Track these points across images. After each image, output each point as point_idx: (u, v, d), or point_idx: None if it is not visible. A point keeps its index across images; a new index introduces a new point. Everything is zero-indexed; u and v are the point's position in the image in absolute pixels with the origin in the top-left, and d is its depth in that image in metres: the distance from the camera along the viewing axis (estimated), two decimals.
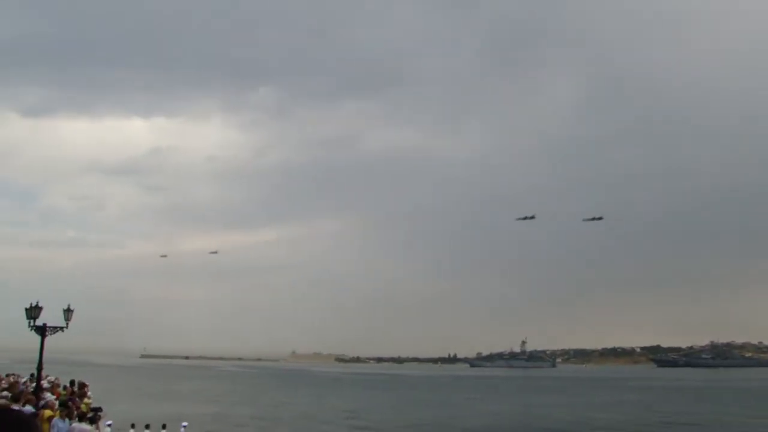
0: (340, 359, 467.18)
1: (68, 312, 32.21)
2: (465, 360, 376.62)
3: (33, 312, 30.58)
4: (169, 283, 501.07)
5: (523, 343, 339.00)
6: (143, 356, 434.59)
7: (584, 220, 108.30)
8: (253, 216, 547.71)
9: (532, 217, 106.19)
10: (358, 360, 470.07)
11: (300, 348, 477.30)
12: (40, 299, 30.79)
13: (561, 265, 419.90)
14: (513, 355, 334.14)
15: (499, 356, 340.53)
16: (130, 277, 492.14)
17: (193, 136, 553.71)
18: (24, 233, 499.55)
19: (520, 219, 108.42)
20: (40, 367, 30.80)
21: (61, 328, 31.74)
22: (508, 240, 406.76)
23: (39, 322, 30.90)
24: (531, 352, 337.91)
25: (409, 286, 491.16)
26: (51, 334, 31.35)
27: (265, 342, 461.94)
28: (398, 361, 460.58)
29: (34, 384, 30.81)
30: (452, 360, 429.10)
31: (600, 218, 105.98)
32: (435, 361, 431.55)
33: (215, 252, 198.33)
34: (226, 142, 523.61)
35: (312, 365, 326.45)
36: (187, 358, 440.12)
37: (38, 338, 30.93)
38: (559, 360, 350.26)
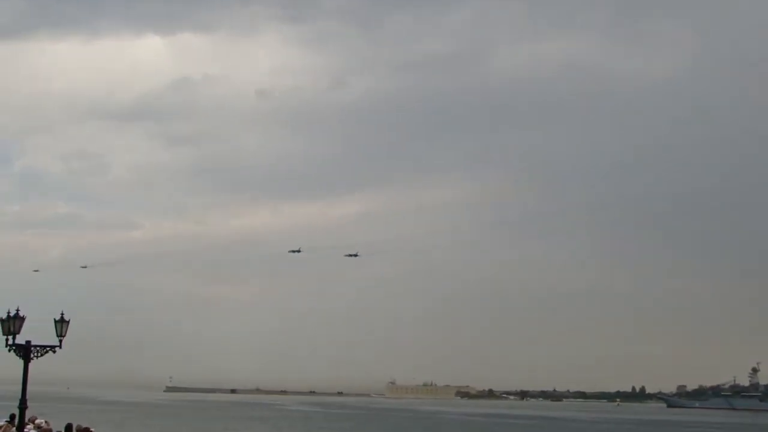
0: (464, 393, 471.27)
1: (62, 324, 32.93)
2: (659, 396, 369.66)
3: (11, 324, 31.50)
4: (205, 280, 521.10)
5: (755, 371, 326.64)
6: (169, 389, 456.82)
7: None
8: (326, 179, 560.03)
9: None
10: (491, 394, 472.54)
11: (401, 377, 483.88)
12: (19, 305, 31.73)
13: None
14: (737, 390, 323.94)
15: (715, 392, 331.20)
16: (147, 272, 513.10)
17: (235, 61, 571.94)
18: None
19: None
20: (23, 406, 31.77)
21: (53, 348, 32.53)
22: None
23: (20, 339, 31.89)
24: None
25: (565, 282, 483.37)
26: (38, 357, 32.29)
27: (347, 368, 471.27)
28: (553, 396, 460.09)
29: (14, 430, 31.91)
30: (639, 396, 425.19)
31: None
32: (611, 397, 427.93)
33: (297, 251, 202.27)
34: (285, 67, 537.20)
35: (422, 402, 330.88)
36: (233, 391, 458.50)
37: (19, 363, 31.95)
38: None
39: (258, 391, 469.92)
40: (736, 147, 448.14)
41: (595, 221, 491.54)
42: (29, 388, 31.79)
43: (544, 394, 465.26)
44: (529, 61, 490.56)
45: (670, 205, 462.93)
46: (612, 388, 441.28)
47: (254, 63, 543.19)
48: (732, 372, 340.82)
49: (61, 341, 32.77)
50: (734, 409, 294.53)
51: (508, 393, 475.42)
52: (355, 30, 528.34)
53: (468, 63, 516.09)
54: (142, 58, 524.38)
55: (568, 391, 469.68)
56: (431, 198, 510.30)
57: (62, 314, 32.91)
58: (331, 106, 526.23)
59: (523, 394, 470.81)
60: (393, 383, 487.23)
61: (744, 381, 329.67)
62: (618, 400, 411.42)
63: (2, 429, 32.54)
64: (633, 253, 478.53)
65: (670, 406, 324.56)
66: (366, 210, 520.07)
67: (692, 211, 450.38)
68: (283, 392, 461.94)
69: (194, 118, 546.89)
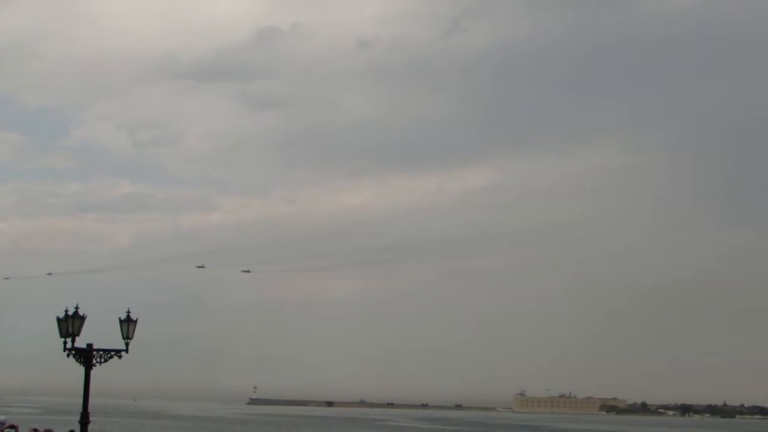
0: (610, 407, 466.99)
1: (128, 324, 34.02)
2: None
3: (69, 325, 32.68)
4: (296, 274, 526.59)
5: None
6: (253, 401, 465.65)
7: None
8: (444, 146, 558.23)
9: None
10: (644, 408, 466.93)
11: (532, 387, 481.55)
12: (78, 303, 32.76)
13: None
14: None
15: None
16: (228, 263, 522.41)
17: (331, 6, 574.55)
18: (43, 188, 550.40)
19: None
20: (84, 420, 33.00)
21: (118, 352, 33.65)
22: None
23: (81, 342, 33.04)
24: None
25: (746, 272, 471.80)
26: (101, 363, 33.47)
27: (467, 377, 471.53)
28: (723, 411, 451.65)
29: None
30: None
31: None
32: None
33: (201, 266, 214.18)
34: (391, 11, 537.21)
35: (558, 417, 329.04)
36: (329, 404, 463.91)
37: (80, 370, 33.12)
38: None
39: (363, 403, 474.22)
40: None
41: None
42: (92, 399, 32.74)
43: (712, 409, 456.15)
44: None
45: None
46: None
47: (354, 8, 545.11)
48: None
49: (127, 344, 33.72)
50: None
51: (666, 407, 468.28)
52: None
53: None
54: (219, 6, 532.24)
55: (742, 405, 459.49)
56: (577, 168, 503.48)
57: (128, 313, 33.81)
58: (449, 57, 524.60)
59: (684, 409, 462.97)
60: (522, 395, 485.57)
61: None
62: None
63: None
64: None
65: None
66: (495, 184, 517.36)
67: None
68: (390, 405, 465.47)
69: (283, 77, 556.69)
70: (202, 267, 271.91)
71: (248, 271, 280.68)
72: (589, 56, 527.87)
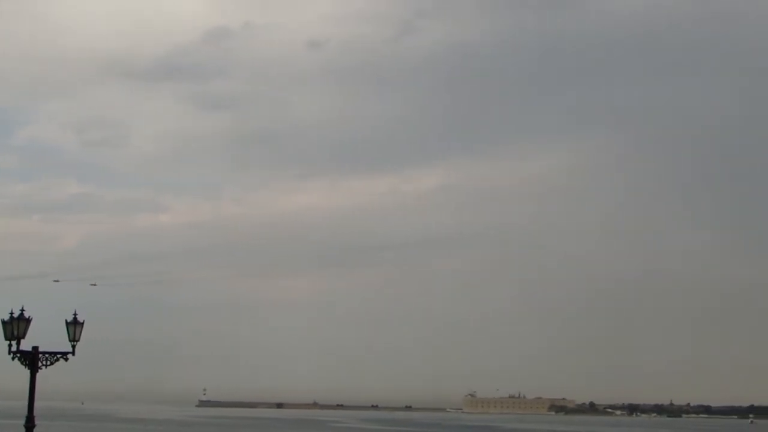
0: (559, 407, 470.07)
1: (75, 326, 33.48)
2: None
3: (14, 327, 32.08)
4: (246, 274, 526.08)
5: None
6: (202, 403, 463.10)
7: None
8: (395, 147, 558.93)
9: None
10: (592, 408, 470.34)
11: (482, 388, 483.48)
12: (24, 305, 32.21)
13: None
14: None
15: None
16: (176, 263, 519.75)
17: (282, 6, 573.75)
18: None
19: None
20: (30, 424, 32.36)
21: (65, 355, 33.12)
22: None
23: (26, 345, 32.47)
24: None
25: (695, 272, 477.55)
26: (47, 366, 32.88)
27: (417, 378, 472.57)
28: (669, 411, 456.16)
29: None
30: None
31: None
32: (743, 412, 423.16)
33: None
34: (342, 12, 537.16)
35: (508, 418, 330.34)
36: (280, 406, 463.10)
37: (25, 373, 32.51)
38: None
39: (315, 405, 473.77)
40: None
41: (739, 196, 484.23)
42: (37, 403, 32.22)
43: (659, 409, 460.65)
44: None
45: None
46: (744, 401, 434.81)
47: (305, 8, 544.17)
48: None
49: (74, 347, 33.23)
50: None
51: (614, 407, 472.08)
52: None
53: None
54: (170, 6, 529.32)
55: (688, 404, 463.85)
56: (530, 169, 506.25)
57: (75, 315, 33.35)
58: (401, 58, 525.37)
59: (632, 409, 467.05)
60: (473, 396, 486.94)
61: None
62: (752, 416, 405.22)
63: None
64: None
65: None
66: (447, 185, 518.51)
67: None
68: (340, 406, 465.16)
69: (233, 77, 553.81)
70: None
71: (95, 285, 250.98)
72: (541, 58, 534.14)
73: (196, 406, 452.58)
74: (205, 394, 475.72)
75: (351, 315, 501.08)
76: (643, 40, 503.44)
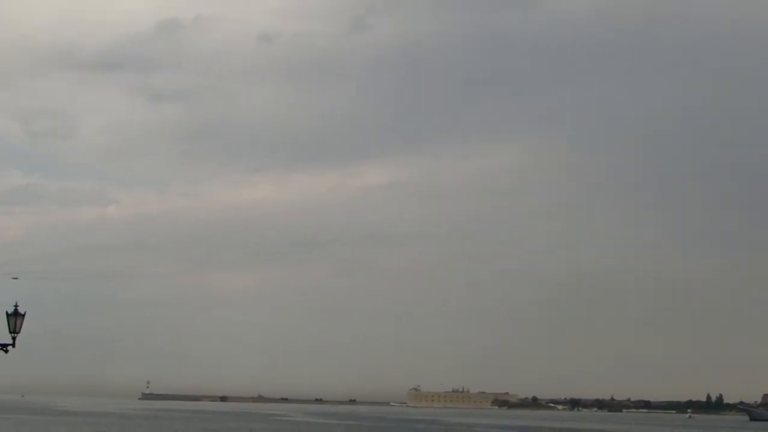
0: (502, 402, 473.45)
1: (15, 318, 33.18)
2: (740, 407, 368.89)
3: None
4: (192, 267, 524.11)
5: None
6: (145, 396, 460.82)
7: None
8: (344, 143, 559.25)
9: None
10: (535, 403, 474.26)
11: (427, 382, 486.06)
12: None
13: None
14: None
15: None
16: (123, 257, 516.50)
17: (234, 0, 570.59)
18: None
19: None
20: None
21: (5, 347, 32.88)
22: None
23: None
24: None
25: (632, 270, 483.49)
26: None
27: (361, 372, 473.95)
28: (610, 406, 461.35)
29: None
30: (715, 406, 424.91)
31: None
32: (682, 407, 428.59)
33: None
34: (294, 6, 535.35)
35: (451, 412, 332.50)
36: (224, 399, 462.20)
37: None
38: None
39: (260, 398, 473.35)
40: None
41: (681, 195, 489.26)
42: None
43: (600, 404, 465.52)
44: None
45: None
46: (683, 397, 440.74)
47: (256, 2, 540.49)
48: None
49: (14, 338, 32.96)
50: None
51: (556, 402, 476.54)
52: None
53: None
54: None
55: (628, 399, 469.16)
56: (477, 167, 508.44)
57: (16, 306, 33.04)
58: (351, 53, 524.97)
59: (573, 404, 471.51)
60: (417, 389, 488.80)
61: None
62: (690, 411, 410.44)
63: None
64: (725, 234, 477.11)
65: (753, 419, 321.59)
66: (394, 181, 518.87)
67: None
68: (285, 400, 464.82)
69: (183, 70, 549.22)
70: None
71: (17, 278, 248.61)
72: (492, 56, 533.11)
73: (139, 399, 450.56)
74: (148, 387, 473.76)
75: (297, 309, 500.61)
76: (597, 40, 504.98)
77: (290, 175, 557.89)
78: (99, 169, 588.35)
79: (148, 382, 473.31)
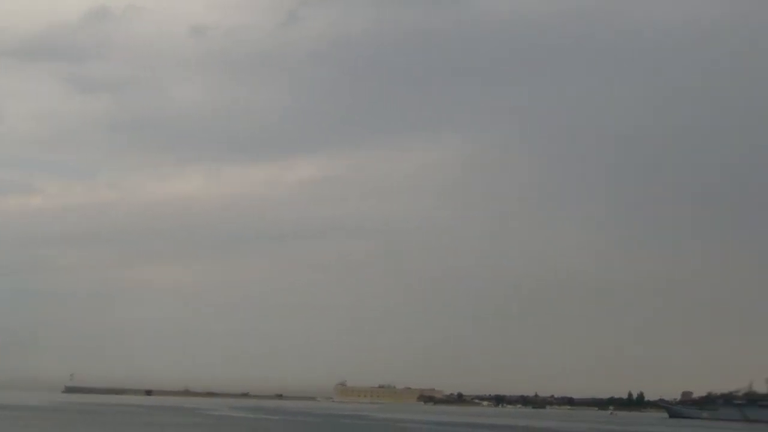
0: (428, 398, 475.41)
1: None
2: (660, 404, 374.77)
3: None
4: (117, 260, 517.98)
5: None
6: (69, 389, 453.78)
7: None
8: (277, 137, 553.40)
9: None
10: (460, 399, 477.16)
11: (353, 378, 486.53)
12: None
13: None
14: (753, 399, 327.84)
15: (726, 399, 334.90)
16: (47, 248, 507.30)
17: None
18: None
19: None
20: None
21: None
22: None
23: None
24: None
25: (555, 269, 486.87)
26: None
27: (287, 367, 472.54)
28: (534, 402, 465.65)
29: None
30: (636, 403, 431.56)
31: None
32: (604, 404, 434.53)
33: None
34: None
35: (378, 407, 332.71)
36: (149, 393, 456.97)
37: None
38: None
39: (187, 392, 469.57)
40: None
41: (602, 195, 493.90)
42: None
43: (524, 400, 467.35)
44: None
45: (718, 175, 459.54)
46: (604, 394, 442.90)
47: None
48: (748, 376, 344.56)
49: None
50: (749, 420, 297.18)
51: (481, 398, 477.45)
52: None
53: None
54: None
55: (552, 396, 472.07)
56: (408, 164, 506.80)
57: None
58: (285, 47, 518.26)
59: (498, 400, 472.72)
60: (343, 385, 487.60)
61: (761, 388, 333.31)
62: (612, 408, 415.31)
63: None
64: (647, 235, 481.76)
65: (672, 416, 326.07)
66: (328, 176, 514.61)
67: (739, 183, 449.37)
68: (211, 394, 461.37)
69: (112, 60, 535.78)
70: None
71: None
72: (429, 51, 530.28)
73: (63, 392, 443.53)
74: (72, 380, 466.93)
75: (225, 304, 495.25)
76: (542, 39, 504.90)
77: (221, 169, 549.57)
78: (25, 158, 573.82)
79: (71, 375, 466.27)
